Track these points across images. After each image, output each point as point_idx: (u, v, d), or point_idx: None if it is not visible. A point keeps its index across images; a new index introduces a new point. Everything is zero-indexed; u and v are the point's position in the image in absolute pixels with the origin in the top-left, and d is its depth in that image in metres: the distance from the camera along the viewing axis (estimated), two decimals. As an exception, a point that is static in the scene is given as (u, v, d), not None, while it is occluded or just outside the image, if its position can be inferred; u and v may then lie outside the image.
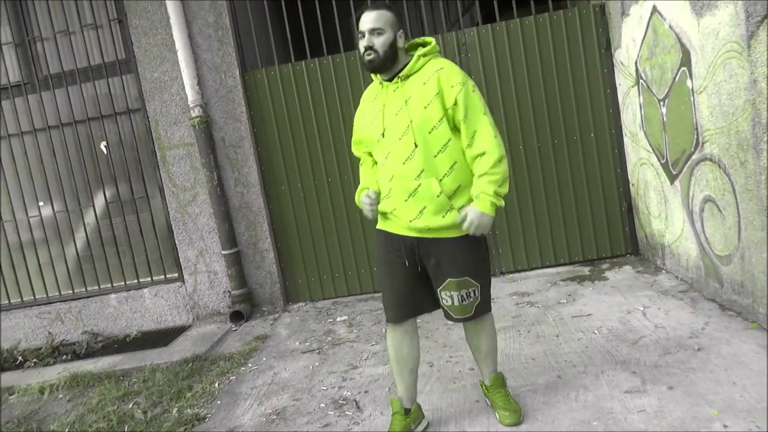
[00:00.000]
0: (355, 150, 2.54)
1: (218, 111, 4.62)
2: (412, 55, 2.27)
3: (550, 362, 2.93)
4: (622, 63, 4.15)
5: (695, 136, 3.24)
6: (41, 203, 4.99)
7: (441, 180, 2.18)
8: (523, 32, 4.39)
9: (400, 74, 2.24)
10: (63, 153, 4.90)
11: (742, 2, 2.58)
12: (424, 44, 2.31)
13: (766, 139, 2.60)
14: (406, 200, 2.23)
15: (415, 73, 2.24)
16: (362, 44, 2.21)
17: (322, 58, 4.58)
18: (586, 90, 4.38)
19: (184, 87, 4.55)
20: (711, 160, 3.10)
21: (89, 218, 4.97)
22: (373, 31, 2.18)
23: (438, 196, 2.18)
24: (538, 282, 4.28)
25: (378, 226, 2.42)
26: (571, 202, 4.49)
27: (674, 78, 3.38)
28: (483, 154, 2.16)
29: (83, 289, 5.01)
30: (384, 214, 2.35)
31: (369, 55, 2.20)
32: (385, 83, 2.29)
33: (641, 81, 3.86)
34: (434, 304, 2.40)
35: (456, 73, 2.21)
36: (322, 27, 4.69)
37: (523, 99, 4.44)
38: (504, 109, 4.44)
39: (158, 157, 4.71)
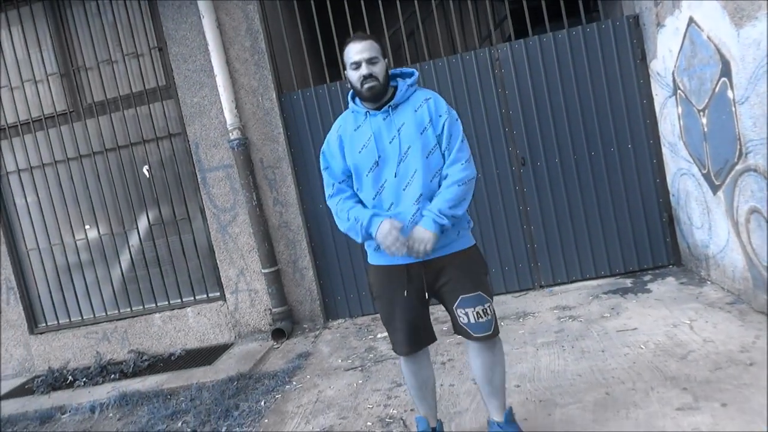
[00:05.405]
0: (330, 183, 2.43)
1: (256, 133, 4.73)
2: (393, 85, 2.30)
3: (597, 378, 2.91)
4: (658, 73, 4.12)
5: (738, 147, 3.20)
6: (87, 226, 5.16)
7: None
8: (557, 46, 4.40)
9: (391, 103, 2.26)
10: (107, 178, 5.06)
11: (785, 13, 2.56)
12: (402, 75, 2.34)
13: (814, 149, 2.56)
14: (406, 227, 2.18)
15: (404, 102, 2.27)
16: (359, 73, 2.19)
17: (356, 77, 4.65)
18: (622, 101, 4.36)
19: (222, 111, 4.67)
20: (756, 170, 3.06)
21: (133, 240, 5.11)
22: (370, 60, 2.19)
23: None
24: (579, 295, 4.25)
25: (373, 261, 2.37)
26: (611, 213, 4.45)
27: (714, 88, 3.34)
28: (448, 176, 2.22)
29: (128, 309, 5.15)
30: (380, 247, 2.24)
31: (370, 82, 2.19)
32: (372, 112, 2.28)
33: (679, 91, 3.83)
34: (434, 335, 2.43)
35: (442, 104, 2.28)
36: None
37: (558, 112, 4.43)
38: (539, 123, 4.44)
39: (199, 179, 4.83)
